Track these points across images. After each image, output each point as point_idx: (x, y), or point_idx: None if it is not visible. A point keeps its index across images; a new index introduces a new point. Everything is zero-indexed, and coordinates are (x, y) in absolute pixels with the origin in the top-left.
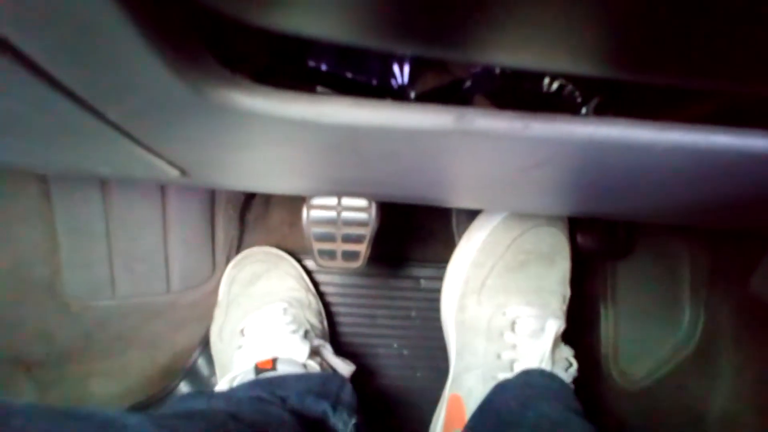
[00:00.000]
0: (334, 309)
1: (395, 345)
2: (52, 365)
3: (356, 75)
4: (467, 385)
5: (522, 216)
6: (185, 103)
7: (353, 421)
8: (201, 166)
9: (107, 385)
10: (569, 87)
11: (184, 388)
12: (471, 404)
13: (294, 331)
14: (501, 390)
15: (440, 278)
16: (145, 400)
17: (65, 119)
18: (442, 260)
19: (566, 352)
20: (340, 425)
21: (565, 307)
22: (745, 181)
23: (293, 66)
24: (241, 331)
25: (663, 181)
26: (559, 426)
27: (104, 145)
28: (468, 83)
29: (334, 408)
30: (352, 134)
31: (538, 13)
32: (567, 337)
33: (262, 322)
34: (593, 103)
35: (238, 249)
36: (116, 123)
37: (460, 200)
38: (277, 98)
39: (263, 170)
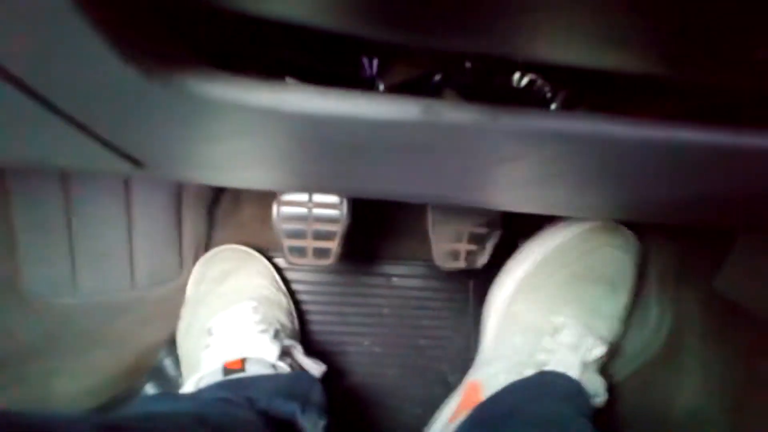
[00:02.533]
0: (304, 307)
1: (366, 343)
2: (12, 364)
3: (325, 66)
4: (490, 374)
5: (598, 233)
6: (138, 89)
7: (323, 422)
8: (159, 158)
9: (70, 385)
10: (539, 81)
11: (150, 387)
12: (489, 391)
13: (263, 331)
14: (516, 384)
15: (412, 276)
16: (110, 400)
17: (16, 110)
18: (414, 258)
19: (599, 381)
20: (309, 426)
21: (611, 340)
22: (712, 177)
23: (261, 56)
24: (209, 330)
25: (631, 177)
26: (564, 424)
27: (54, 136)
28: (437, 77)
29: (303, 409)
30: (317, 125)
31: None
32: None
33: (230, 320)
34: (560, 96)
35: (207, 245)
36: (64, 111)
37: (430, 196)
38: (237, 85)
39: (226, 163)
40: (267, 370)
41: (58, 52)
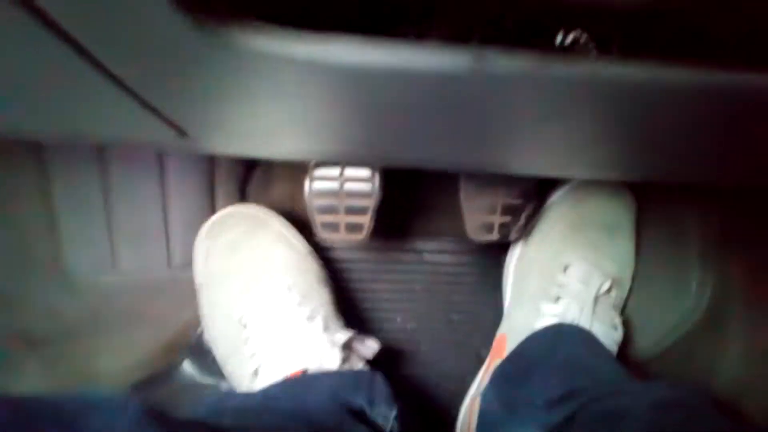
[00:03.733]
0: (335, 284)
1: (398, 319)
2: (56, 342)
3: (365, 25)
4: (513, 322)
5: (590, 186)
6: (185, 43)
7: (394, 413)
8: (202, 125)
9: (112, 362)
10: (583, 38)
11: (187, 364)
12: (513, 339)
13: (310, 318)
14: (532, 336)
15: (444, 251)
16: (149, 376)
17: (65, 72)
18: (445, 234)
19: (612, 314)
20: (380, 419)
21: (621, 282)
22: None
23: (301, 11)
24: (240, 320)
25: (687, 129)
26: (587, 364)
27: (103, 103)
28: (477, 37)
29: (371, 405)
30: (361, 79)
31: None
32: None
33: (265, 307)
34: (615, 45)
35: None
36: (117, 75)
37: (471, 160)
38: (283, 37)
39: (266, 128)
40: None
41: (116, 10)
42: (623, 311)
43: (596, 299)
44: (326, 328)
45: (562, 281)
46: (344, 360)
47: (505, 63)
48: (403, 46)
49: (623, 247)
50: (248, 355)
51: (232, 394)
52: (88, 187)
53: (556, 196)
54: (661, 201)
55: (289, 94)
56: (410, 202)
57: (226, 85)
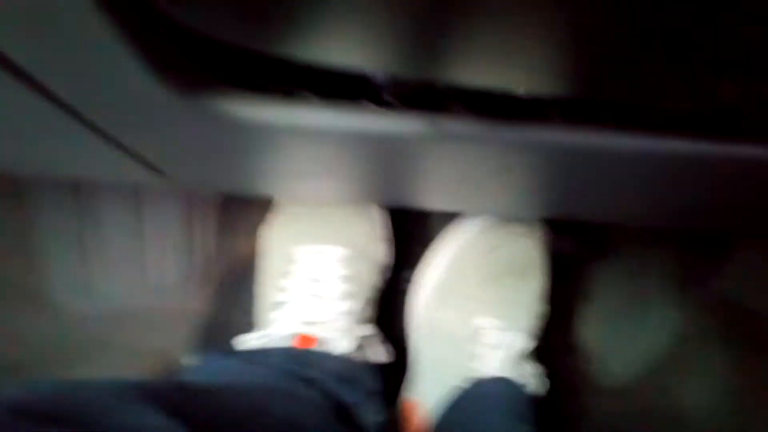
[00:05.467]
0: None
1: None
2: (29, 368)
3: (333, 77)
4: (424, 390)
5: (499, 227)
6: (167, 106)
7: (382, 418)
8: (179, 168)
9: None
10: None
11: None
12: (426, 410)
13: (345, 295)
14: (453, 402)
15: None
16: None
17: (43, 120)
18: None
19: (531, 370)
20: (369, 416)
21: (538, 324)
22: (712, 186)
23: (271, 69)
24: (291, 256)
25: (629, 185)
26: None
27: (82, 147)
28: (442, 88)
29: (366, 401)
30: (325, 138)
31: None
32: (541, 353)
33: (315, 259)
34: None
35: (217, 252)
36: (96, 125)
37: (436, 203)
38: (259, 103)
39: (244, 173)
40: (338, 350)
41: (93, 66)
42: (594, 340)
43: (512, 360)
44: (358, 318)
45: (475, 351)
46: (357, 349)
47: (457, 127)
48: (366, 112)
49: (534, 288)
50: (280, 286)
51: (236, 357)
52: (62, 214)
53: (459, 239)
54: (627, 239)
55: (261, 149)
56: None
57: (201, 138)
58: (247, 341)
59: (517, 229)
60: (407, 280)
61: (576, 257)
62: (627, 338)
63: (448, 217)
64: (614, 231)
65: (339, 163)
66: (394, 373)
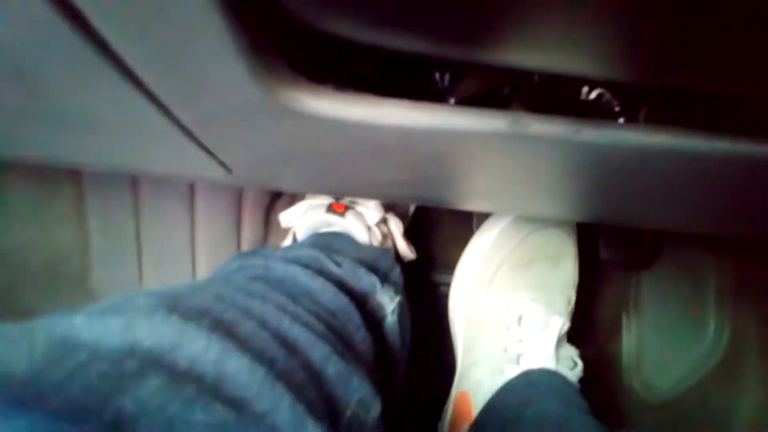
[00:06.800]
0: None
1: None
2: None
3: (398, 80)
4: (475, 380)
5: (530, 218)
6: (256, 105)
7: (399, 298)
8: (249, 165)
9: None
10: (607, 96)
11: None
12: (479, 399)
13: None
14: (503, 390)
15: None
16: None
17: (138, 119)
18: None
19: (571, 351)
20: (386, 300)
21: (570, 309)
22: None
23: (336, 69)
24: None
25: (706, 188)
26: (559, 422)
27: (166, 145)
28: (506, 90)
29: (383, 283)
30: (406, 136)
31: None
32: (580, 341)
33: None
34: (642, 112)
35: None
36: (185, 124)
37: (495, 205)
38: (339, 100)
39: (310, 171)
40: (360, 234)
41: (196, 71)
42: (640, 353)
43: (557, 344)
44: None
45: (519, 335)
46: (382, 221)
47: (537, 126)
48: (447, 109)
49: (568, 274)
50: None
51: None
52: (121, 212)
53: (491, 231)
54: (681, 249)
55: (336, 144)
56: (428, 232)
57: (279, 137)
58: (289, 214)
59: (547, 221)
60: (445, 283)
61: (626, 264)
62: (678, 351)
63: (481, 218)
64: (670, 239)
65: (409, 163)
66: (442, 374)
